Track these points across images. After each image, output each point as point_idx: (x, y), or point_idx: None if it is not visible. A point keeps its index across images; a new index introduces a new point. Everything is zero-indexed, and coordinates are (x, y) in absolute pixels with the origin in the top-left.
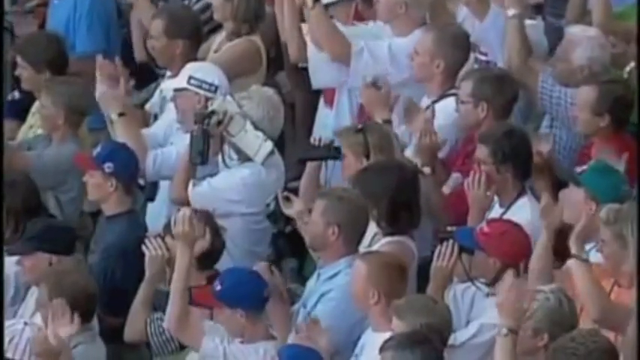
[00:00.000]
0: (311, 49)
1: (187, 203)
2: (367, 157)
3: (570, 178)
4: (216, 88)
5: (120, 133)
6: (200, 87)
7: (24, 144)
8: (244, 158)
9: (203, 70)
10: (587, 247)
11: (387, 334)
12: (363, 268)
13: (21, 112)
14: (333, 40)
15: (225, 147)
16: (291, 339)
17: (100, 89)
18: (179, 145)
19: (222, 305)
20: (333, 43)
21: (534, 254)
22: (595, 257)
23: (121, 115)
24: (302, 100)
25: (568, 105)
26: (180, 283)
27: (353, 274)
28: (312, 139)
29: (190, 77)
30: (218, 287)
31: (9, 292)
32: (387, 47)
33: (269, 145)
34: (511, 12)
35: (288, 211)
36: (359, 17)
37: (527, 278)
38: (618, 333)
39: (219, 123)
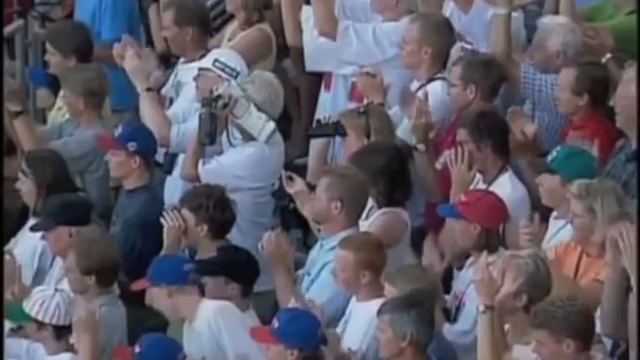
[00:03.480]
0: (306, 33)
1: (197, 180)
2: (368, 137)
3: (544, 167)
4: (237, 73)
5: (146, 107)
6: (223, 70)
7: (55, 128)
8: (248, 137)
9: (227, 55)
10: (559, 224)
11: (372, 302)
12: (349, 256)
13: (55, 82)
14: (322, 16)
15: (230, 127)
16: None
17: (132, 63)
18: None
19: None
20: (323, 19)
21: None
22: (562, 235)
23: (148, 90)
24: (306, 83)
25: (549, 90)
26: None
27: (339, 264)
28: (321, 118)
29: (215, 60)
30: None
31: (48, 259)
32: (372, 30)
33: (271, 125)
34: (500, 11)
35: (291, 189)
36: None
37: (504, 254)
38: (595, 308)
39: (225, 106)
